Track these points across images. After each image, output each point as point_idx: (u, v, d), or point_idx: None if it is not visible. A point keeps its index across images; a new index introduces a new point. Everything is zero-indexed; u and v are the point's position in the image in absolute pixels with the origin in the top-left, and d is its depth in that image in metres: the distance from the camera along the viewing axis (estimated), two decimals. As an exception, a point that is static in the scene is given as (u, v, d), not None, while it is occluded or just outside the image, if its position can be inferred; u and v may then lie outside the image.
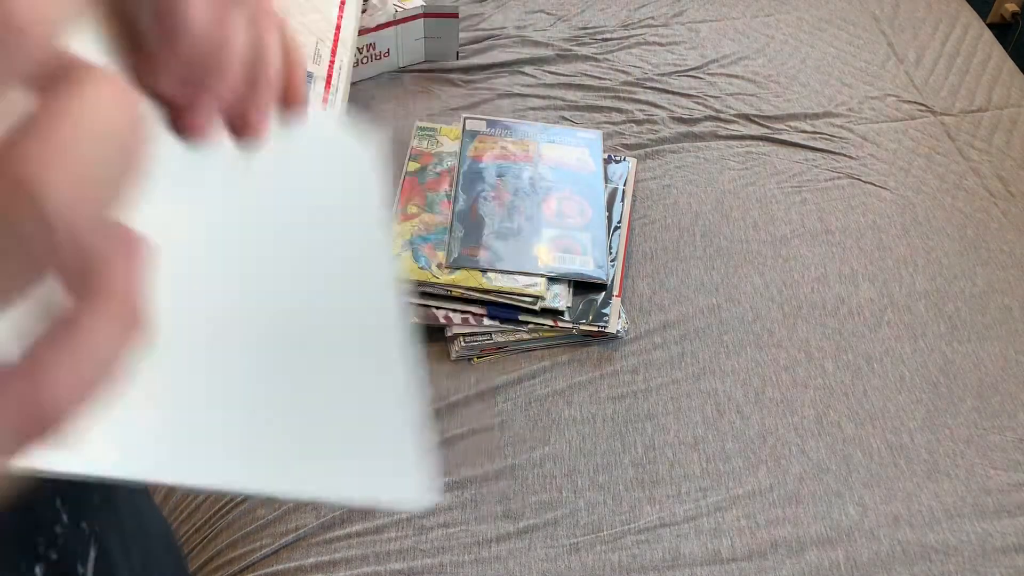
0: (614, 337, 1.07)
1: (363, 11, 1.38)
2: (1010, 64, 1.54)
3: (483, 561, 0.90)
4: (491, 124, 1.28)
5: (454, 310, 1.07)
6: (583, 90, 1.43)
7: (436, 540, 0.91)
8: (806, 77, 1.48)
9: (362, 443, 0.30)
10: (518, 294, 1.06)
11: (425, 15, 1.41)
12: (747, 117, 1.40)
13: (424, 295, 1.07)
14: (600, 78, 1.45)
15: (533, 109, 1.40)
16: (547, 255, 1.10)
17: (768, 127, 1.39)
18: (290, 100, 0.29)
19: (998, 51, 1.56)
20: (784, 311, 1.14)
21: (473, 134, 1.26)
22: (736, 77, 1.47)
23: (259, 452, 0.27)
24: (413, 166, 1.22)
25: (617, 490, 0.96)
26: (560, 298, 1.07)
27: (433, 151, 1.24)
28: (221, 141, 0.27)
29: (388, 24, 1.40)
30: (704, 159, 1.34)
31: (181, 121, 0.26)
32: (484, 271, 1.07)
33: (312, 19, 1.28)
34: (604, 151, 1.28)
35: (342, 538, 0.91)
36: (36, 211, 0.15)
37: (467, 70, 1.46)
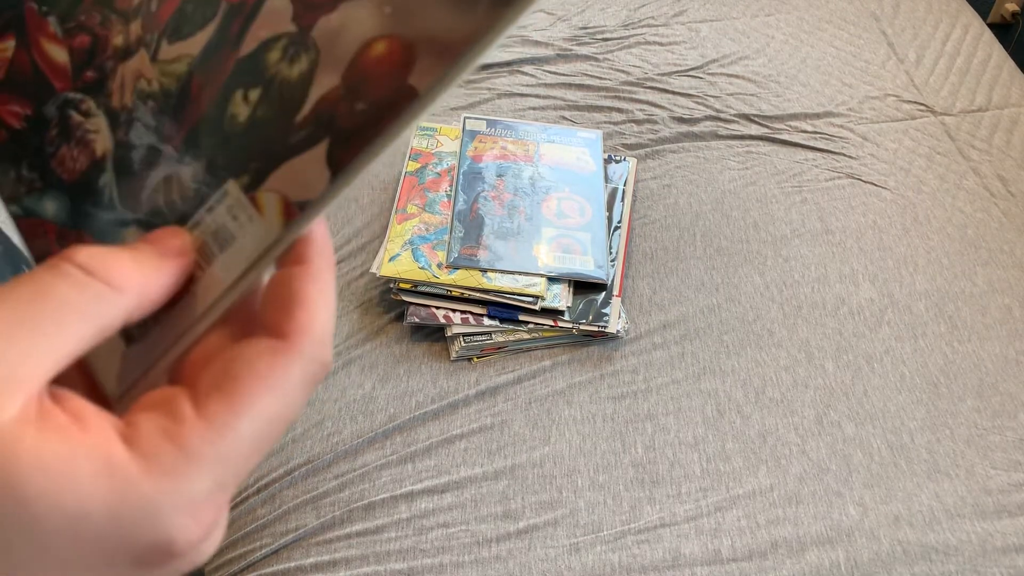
0: (614, 337, 1.07)
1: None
2: (1010, 64, 1.54)
3: (483, 561, 0.90)
4: (491, 124, 1.27)
5: (454, 310, 1.07)
6: (583, 90, 1.43)
7: (436, 540, 0.91)
8: (806, 77, 1.48)
9: None
10: (518, 294, 1.06)
11: (425, 15, 1.41)
12: (747, 117, 1.40)
13: (424, 295, 1.07)
14: (600, 78, 1.45)
15: (533, 109, 1.40)
16: (547, 255, 1.10)
17: (768, 127, 1.39)
18: None
19: (998, 51, 1.56)
20: (784, 311, 1.14)
21: (473, 134, 1.25)
22: (736, 77, 1.47)
23: None
24: (413, 166, 1.21)
25: (617, 490, 0.96)
26: (560, 298, 1.07)
27: (433, 151, 1.24)
28: None
29: (388, 24, 1.39)
30: (704, 159, 1.34)
31: None
32: (484, 271, 1.07)
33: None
34: (604, 151, 1.28)
35: (342, 538, 0.91)
36: None
37: (467, 70, 1.46)
